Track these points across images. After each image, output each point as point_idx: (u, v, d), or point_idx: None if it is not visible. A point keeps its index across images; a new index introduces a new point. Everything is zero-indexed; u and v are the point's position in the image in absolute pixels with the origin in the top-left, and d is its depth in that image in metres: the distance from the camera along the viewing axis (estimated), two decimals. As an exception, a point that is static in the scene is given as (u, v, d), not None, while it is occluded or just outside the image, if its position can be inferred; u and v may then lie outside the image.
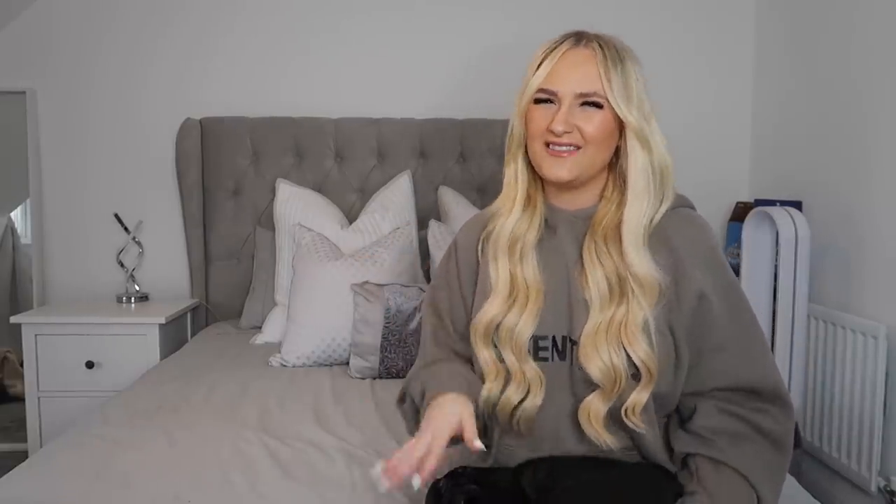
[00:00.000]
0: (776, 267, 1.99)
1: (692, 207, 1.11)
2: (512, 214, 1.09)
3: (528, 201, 1.10)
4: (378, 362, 1.84)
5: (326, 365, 1.96)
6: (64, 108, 2.55)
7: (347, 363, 1.91)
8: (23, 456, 1.78)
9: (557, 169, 1.03)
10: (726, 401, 1.02)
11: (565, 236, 1.08)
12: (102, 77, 2.54)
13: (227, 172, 2.48)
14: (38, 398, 2.21)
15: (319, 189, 2.46)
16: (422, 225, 2.32)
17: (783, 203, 2.11)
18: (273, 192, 2.37)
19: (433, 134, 2.51)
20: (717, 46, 2.62)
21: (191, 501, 1.14)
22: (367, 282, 1.95)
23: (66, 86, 2.54)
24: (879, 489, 1.83)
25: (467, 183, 2.50)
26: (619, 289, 1.01)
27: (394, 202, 2.31)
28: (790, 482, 1.29)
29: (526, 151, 1.09)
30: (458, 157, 2.53)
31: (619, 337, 0.99)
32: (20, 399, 2.30)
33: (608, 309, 1.01)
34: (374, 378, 1.84)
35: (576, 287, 1.05)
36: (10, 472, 1.25)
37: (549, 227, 1.10)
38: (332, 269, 2.02)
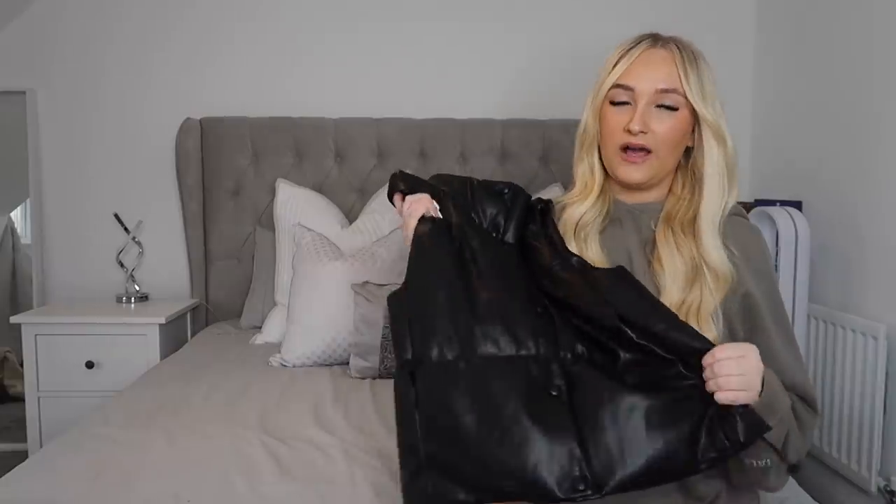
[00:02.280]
0: (776, 267, 1.99)
1: (745, 216, 1.16)
2: (587, 200, 1.14)
3: (602, 192, 1.15)
4: (378, 362, 1.84)
5: (326, 365, 1.96)
6: (64, 108, 2.55)
7: (347, 363, 1.90)
8: (23, 456, 1.78)
9: (632, 173, 1.09)
10: None
11: (628, 227, 1.13)
12: (102, 77, 2.54)
13: (227, 172, 2.48)
14: (38, 398, 2.21)
15: (319, 189, 2.46)
16: (422, 225, 2.31)
17: (783, 203, 2.11)
18: (273, 192, 2.37)
19: (433, 134, 2.51)
20: (717, 47, 2.59)
21: (190, 501, 1.14)
22: (367, 282, 1.95)
23: (66, 86, 2.54)
24: (879, 489, 1.83)
25: (467, 183, 2.50)
26: (694, 276, 1.05)
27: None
28: (790, 482, 1.29)
29: (598, 149, 1.13)
30: (459, 157, 2.53)
31: (690, 321, 1.01)
32: (20, 399, 2.30)
33: (681, 293, 1.04)
34: (374, 378, 1.84)
35: (638, 274, 1.07)
36: (10, 472, 1.25)
37: (613, 218, 1.14)
38: (332, 269, 2.02)
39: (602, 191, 1.15)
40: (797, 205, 2.16)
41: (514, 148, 2.52)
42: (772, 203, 2.14)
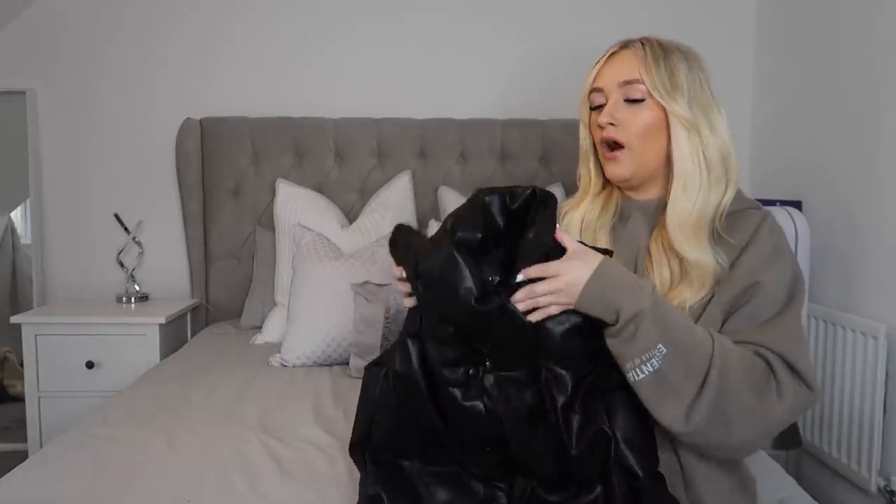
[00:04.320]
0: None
1: (756, 207, 1.14)
2: (584, 203, 1.19)
3: (603, 191, 1.20)
4: (378, 362, 1.84)
5: (326, 365, 1.96)
6: (64, 108, 2.55)
7: (347, 363, 1.91)
8: (23, 456, 1.78)
9: (614, 168, 1.13)
10: (759, 347, 1.01)
11: (637, 223, 1.15)
12: (103, 77, 2.54)
13: (227, 172, 2.48)
14: (38, 398, 2.21)
15: (319, 189, 2.46)
16: (422, 225, 2.32)
17: (783, 203, 2.11)
18: (273, 192, 2.37)
19: (433, 134, 2.52)
20: (716, 47, 2.61)
21: (190, 501, 1.14)
22: (367, 282, 1.95)
23: (67, 86, 2.54)
24: (879, 489, 1.83)
25: (467, 183, 2.50)
26: (681, 276, 1.06)
27: (394, 202, 2.32)
28: (789, 482, 1.29)
29: (595, 154, 1.19)
30: (458, 157, 2.53)
31: None
32: (20, 399, 2.30)
33: (667, 294, 1.06)
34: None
35: (642, 270, 1.11)
36: (10, 472, 1.25)
37: (623, 215, 1.18)
38: (332, 269, 2.02)
39: (605, 190, 1.20)
40: (797, 205, 2.16)
41: (514, 148, 2.52)
42: (772, 203, 2.14)
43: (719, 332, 1.04)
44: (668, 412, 0.95)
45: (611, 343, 0.96)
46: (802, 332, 1.05)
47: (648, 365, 0.94)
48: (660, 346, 0.94)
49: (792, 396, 0.97)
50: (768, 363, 0.99)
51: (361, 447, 1.01)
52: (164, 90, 2.56)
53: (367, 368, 1.05)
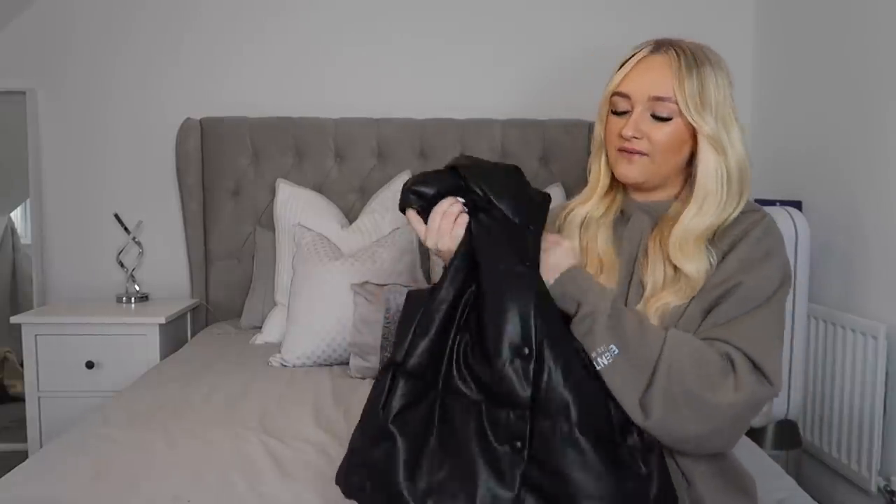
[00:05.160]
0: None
1: (756, 209, 1.12)
2: (590, 201, 1.19)
3: (609, 192, 1.19)
4: (378, 362, 1.84)
5: (326, 365, 1.96)
6: (64, 108, 2.55)
7: (347, 363, 1.91)
8: (23, 456, 1.78)
9: (627, 170, 1.10)
10: (723, 343, 1.00)
11: (638, 224, 1.14)
12: (103, 77, 2.54)
13: (227, 172, 2.48)
14: (38, 398, 2.21)
15: (319, 189, 2.46)
16: (421, 225, 2.32)
17: (783, 203, 2.11)
18: (273, 192, 2.38)
19: (433, 134, 2.52)
20: (716, 47, 2.60)
21: (190, 501, 1.14)
22: (367, 282, 1.95)
23: (66, 86, 2.54)
24: (879, 489, 1.83)
25: (467, 183, 2.50)
26: (673, 280, 1.07)
27: (394, 202, 2.30)
28: (789, 483, 1.29)
29: (606, 152, 1.17)
30: (459, 157, 2.53)
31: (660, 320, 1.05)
32: (20, 399, 2.30)
33: (658, 297, 1.06)
34: (374, 378, 1.84)
35: (638, 270, 1.10)
36: (10, 472, 1.25)
37: (624, 215, 1.17)
38: (332, 269, 2.02)
39: (611, 189, 1.18)
40: (797, 205, 2.16)
41: (514, 148, 2.52)
42: (772, 203, 2.14)
43: (697, 330, 1.04)
44: (627, 404, 0.96)
45: (575, 334, 1.00)
46: (776, 332, 1.04)
47: (602, 359, 0.97)
48: (612, 346, 0.97)
49: (750, 391, 0.97)
50: (729, 358, 0.98)
51: (395, 368, 0.99)
52: (164, 90, 2.55)
53: (409, 294, 1.06)
